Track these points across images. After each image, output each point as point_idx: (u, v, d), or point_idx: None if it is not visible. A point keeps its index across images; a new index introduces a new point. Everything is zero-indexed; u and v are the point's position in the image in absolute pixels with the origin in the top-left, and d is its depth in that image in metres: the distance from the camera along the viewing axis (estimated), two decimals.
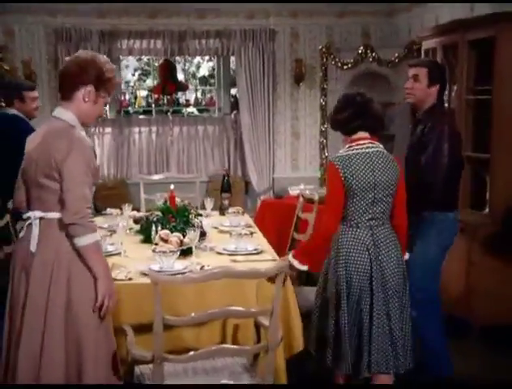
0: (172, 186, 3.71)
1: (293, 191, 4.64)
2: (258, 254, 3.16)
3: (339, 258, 2.71)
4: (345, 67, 5.98)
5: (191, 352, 2.34)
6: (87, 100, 2.47)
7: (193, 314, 2.31)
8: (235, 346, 2.45)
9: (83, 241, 2.34)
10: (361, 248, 2.71)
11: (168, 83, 6.04)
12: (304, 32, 6.24)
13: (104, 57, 2.58)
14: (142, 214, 3.81)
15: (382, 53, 5.80)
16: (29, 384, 1.92)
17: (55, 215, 2.39)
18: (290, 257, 2.80)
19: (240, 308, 2.44)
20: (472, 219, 3.97)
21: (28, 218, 2.45)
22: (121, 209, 3.85)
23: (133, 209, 4.06)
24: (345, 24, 6.26)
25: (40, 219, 2.42)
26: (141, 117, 6.70)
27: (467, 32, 4.06)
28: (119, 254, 3.17)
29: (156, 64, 6.71)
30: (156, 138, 6.40)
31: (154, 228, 3.17)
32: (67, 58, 2.67)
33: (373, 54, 5.82)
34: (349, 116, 2.75)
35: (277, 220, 4.66)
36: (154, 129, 6.39)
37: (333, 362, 2.76)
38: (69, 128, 2.44)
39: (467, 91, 4.15)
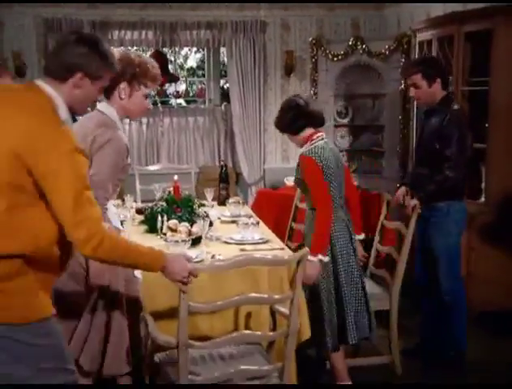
0: (175, 177, 3.73)
1: (289, 182, 4.68)
2: (265, 243, 3.20)
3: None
4: (335, 59, 6.00)
5: (216, 339, 2.40)
6: (123, 97, 2.56)
7: (220, 302, 2.35)
8: (257, 332, 2.49)
9: None
10: (344, 228, 3.12)
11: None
12: (294, 23, 6.27)
13: (136, 52, 2.61)
14: (144, 205, 3.81)
15: (372, 45, 5.85)
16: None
17: None
18: (311, 256, 2.89)
19: (263, 295, 2.54)
20: (469, 208, 4.06)
21: None
22: (123, 200, 3.85)
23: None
24: (335, 16, 6.30)
25: None
26: None
27: (463, 25, 4.14)
28: None
29: (144, 55, 6.65)
30: (147, 129, 6.37)
31: (160, 218, 3.17)
32: None
33: (364, 46, 5.87)
34: (294, 116, 3.09)
35: (274, 210, 4.70)
36: (144, 120, 6.35)
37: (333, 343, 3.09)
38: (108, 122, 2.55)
39: (463, 83, 4.22)
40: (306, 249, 2.42)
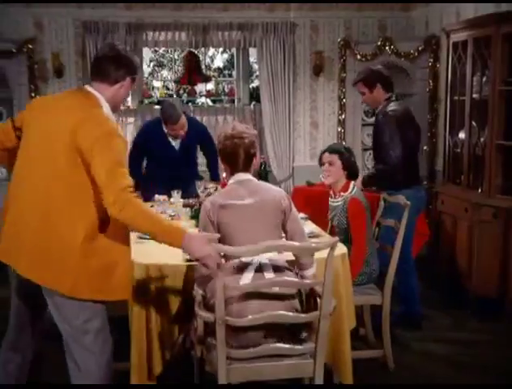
0: (223, 174, 3.84)
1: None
2: (315, 237, 3.31)
3: None
4: (363, 59, 6.11)
5: (249, 316, 2.53)
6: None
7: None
8: (289, 313, 2.58)
9: None
10: None
11: (194, 74, 6.14)
12: (323, 25, 6.40)
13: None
14: (192, 200, 3.96)
15: (400, 46, 5.94)
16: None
17: None
18: None
19: (295, 279, 2.66)
20: (506, 204, 4.20)
21: None
22: (169, 196, 4.02)
23: None
24: (363, 18, 6.40)
25: None
26: (157, 107, 6.73)
27: (501, 26, 4.24)
28: None
29: (172, 56, 6.80)
30: None
31: None
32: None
33: (392, 47, 5.96)
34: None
35: (310, 207, 4.77)
36: None
37: None
38: None
39: (500, 83, 4.32)
40: (337, 237, 2.57)
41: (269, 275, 2.62)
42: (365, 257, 3.50)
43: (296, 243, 2.68)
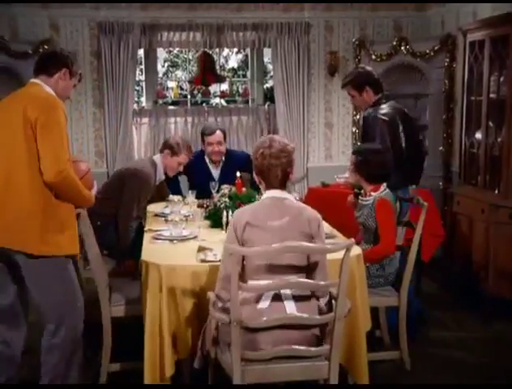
0: (238, 174, 3.83)
1: (340, 179, 4.73)
2: (331, 238, 3.28)
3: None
4: (378, 59, 6.07)
5: (264, 318, 2.54)
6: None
7: (267, 283, 2.54)
8: (303, 315, 2.56)
9: None
10: None
11: (208, 74, 6.13)
12: (338, 24, 6.35)
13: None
14: (206, 200, 3.95)
15: (416, 45, 5.90)
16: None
17: None
18: None
19: (310, 280, 2.63)
20: None
21: None
22: (183, 196, 4.02)
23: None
24: (378, 17, 6.35)
25: None
26: (172, 107, 6.73)
27: None
28: (195, 238, 3.30)
29: (186, 56, 6.80)
30: (192, 128, 6.50)
31: (225, 213, 3.29)
32: None
33: (407, 47, 5.91)
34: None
35: (326, 208, 4.73)
36: (189, 119, 6.50)
37: None
38: None
39: None
40: (353, 239, 2.54)
41: (289, 304, 2.59)
42: (389, 257, 3.53)
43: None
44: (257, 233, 2.62)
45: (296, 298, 2.61)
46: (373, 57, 6.08)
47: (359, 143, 4.46)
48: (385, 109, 4.03)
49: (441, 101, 5.93)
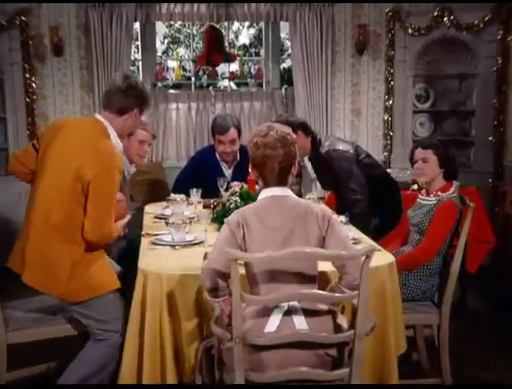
0: (249, 168, 3.82)
1: None
2: (357, 243, 3.28)
3: None
4: (416, 34, 6.05)
5: (271, 336, 2.52)
6: None
7: (273, 296, 2.51)
8: (316, 333, 2.53)
9: None
10: None
11: (215, 52, 6.14)
12: None
13: None
14: (213, 200, 3.96)
15: (462, 16, 5.85)
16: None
17: None
18: None
19: (322, 292, 2.59)
20: None
21: None
22: (187, 195, 4.04)
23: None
24: None
25: None
26: (173, 91, 6.75)
27: None
28: (200, 243, 3.32)
29: (189, 31, 6.82)
30: (196, 115, 6.53)
31: None
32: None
33: (451, 18, 5.87)
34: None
35: None
36: (193, 105, 6.52)
37: None
38: None
39: None
40: (374, 243, 2.53)
41: (299, 320, 2.56)
42: (423, 264, 3.51)
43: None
44: (257, 237, 2.61)
45: (307, 312, 2.59)
46: (410, 31, 6.06)
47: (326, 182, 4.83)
48: (337, 144, 4.38)
49: (492, 82, 5.89)
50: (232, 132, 4.75)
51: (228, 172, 4.87)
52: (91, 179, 2.94)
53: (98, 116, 3.19)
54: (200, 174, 4.79)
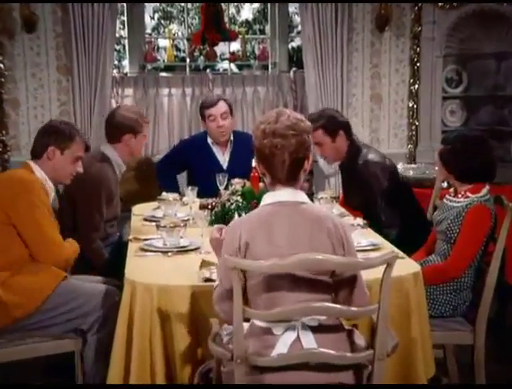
0: (253, 163, 3.82)
1: None
2: (376, 250, 3.27)
3: None
4: (447, 6, 6.03)
5: (276, 355, 2.51)
6: None
7: (279, 310, 2.50)
8: (330, 351, 2.49)
9: None
10: None
11: (213, 30, 6.13)
12: None
13: None
14: (211, 200, 3.96)
15: None
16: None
17: None
18: None
19: (334, 305, 2.56)
20: None
21: None
22: (180, 193, 4.03)
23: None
24: None
25: None
26: (165, 74, 6.74)
27: None
28: (196, 249, 3.31)
29: (183, 5, 6.82)
30: (191, 102, 6.52)
31: (237, 216, 3.29)
32: None
33: None
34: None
35: None
36: (188, 90, 6.51)
37: None
38: None
39: None
40: (396, 249, 2.52)
41: (306, 337, 2.55)
42: (453, 279, 3.51)
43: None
44: (260, 255, 2.54)
45: (316, 329, 2.57)
46: (440, 3, 6.04)
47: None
48: (372, 153, 4.42)
49: None
50: (222, 104, 5.01)
51: (222, 158, 5.04)
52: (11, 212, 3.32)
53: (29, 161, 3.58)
54: (188, 160, 5.07)
